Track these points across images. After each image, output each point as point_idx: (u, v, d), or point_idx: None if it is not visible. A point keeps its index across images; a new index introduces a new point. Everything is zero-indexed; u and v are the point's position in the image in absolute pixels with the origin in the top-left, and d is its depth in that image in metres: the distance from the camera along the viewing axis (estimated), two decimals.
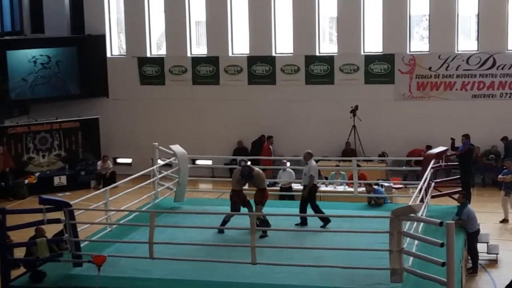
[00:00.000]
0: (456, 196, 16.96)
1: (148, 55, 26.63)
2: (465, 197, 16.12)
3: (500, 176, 19.58)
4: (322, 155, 22.82)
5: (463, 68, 23.87)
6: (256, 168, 15.65)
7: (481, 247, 16.29)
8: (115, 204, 16.70)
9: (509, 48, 23.67)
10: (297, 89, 25.21)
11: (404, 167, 22.90)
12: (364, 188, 18.76)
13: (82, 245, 13.66)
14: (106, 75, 26.85)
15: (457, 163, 18.55)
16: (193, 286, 12.60)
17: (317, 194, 18.95)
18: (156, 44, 27.30)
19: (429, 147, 21.81)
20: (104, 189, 15.95)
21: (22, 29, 26.91)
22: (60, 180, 24.79)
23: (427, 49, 24.37)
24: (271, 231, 14.92)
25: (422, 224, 13.82)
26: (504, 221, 19.45)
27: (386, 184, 19.26)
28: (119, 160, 27.05)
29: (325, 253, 13.34)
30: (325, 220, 15.51)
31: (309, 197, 15.91)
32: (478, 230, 15.79)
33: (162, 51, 27.04)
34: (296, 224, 15.74)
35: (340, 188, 19.76)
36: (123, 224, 15.72)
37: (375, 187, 17.92)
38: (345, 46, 24.78)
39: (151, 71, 26.55)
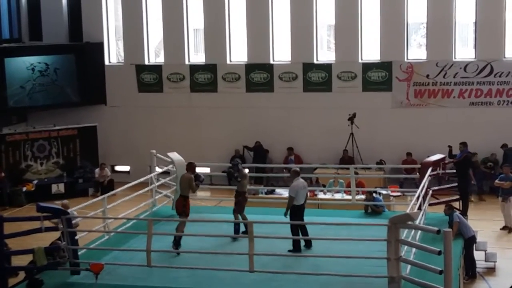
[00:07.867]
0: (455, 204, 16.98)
1: (146, 62, 26.64)
2: (450, 208, 16.12)
3: (497, 181, 19.48)
4: (320, 162, 22.82)
5: (460, 75, 23.91)
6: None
7: (479, 255, 16.31)
8: (113, 211, 16.72)
9: (506, 56, 23.71)
10: (295, 97, 25.23)
11: (402, 175, 22.90)
12: (362, 196, 18.72)
13: (79, 253, 13.66)
14: (104, 82, 26.85)
15: (454, 171, 18.55)
16: None
17: (316, 202, 19.02)
18: (154, 52, 27.32)
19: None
20: (102, 196, 15.94)
21: (20, 36, 26.87)
22: (58, 187, 24.77)
23: (425, 57, 24.39)
24: (269, 238, 14.76)
25: (419, 232, 13.82)
26: (505, 228, 19.32)
27: (384, 192, 19.23)
28: (117, 168, 27.01)
29: (323, 261, 13.35)
30: (296, 247, 14.34)
31: (293, 218, 14.57)
32: (474, 237, 15.78)
33: (160, 59, 27.06)
34: (289, 250, 14.30)
35: (338, 196, 19.74)
36: (121, 232, 15.72)
37: (374, 195, 17.86)
38: (342, 53, 24.81)
39: (149, 78, 26.56)
